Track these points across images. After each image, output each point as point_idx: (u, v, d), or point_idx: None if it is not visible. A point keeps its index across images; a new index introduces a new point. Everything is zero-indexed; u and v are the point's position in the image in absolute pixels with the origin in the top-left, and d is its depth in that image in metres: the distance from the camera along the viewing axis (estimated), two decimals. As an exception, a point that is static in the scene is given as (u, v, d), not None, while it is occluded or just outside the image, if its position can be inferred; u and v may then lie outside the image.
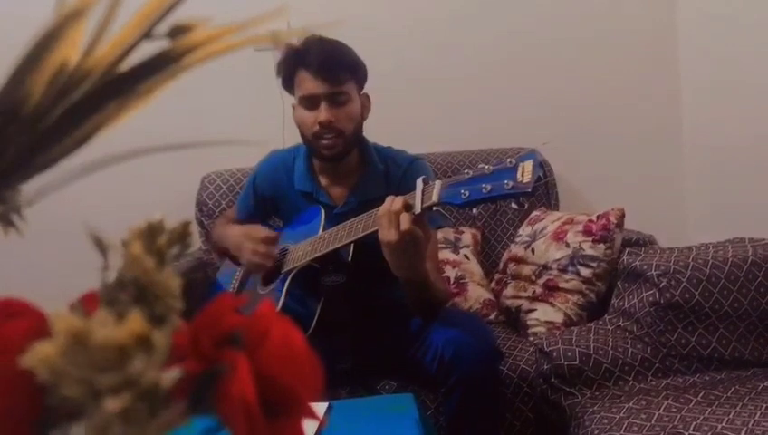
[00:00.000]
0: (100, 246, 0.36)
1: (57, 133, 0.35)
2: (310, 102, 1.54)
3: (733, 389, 1.42)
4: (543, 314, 1.85)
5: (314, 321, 1.48)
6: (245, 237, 1.58)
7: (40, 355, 0.27)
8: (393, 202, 1.30)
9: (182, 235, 0.42)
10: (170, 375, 0.29)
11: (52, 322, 0.28)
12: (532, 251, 1.97)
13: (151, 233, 0.40)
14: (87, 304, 0.38)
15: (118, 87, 0.35)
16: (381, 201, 1.33)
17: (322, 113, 1.52)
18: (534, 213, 2.12)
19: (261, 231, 1.60)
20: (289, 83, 1.59)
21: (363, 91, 1.62)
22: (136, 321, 0.29)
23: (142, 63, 0.35)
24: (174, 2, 0.35)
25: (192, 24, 0.36)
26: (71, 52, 0.33)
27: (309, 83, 1.53)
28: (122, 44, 0.35)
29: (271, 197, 1.75)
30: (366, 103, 1.62)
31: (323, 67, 1.51)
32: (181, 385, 0.33)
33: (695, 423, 1.27)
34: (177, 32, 0.35)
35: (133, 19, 0.35)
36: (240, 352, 0.36)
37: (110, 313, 0.31)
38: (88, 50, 0.34)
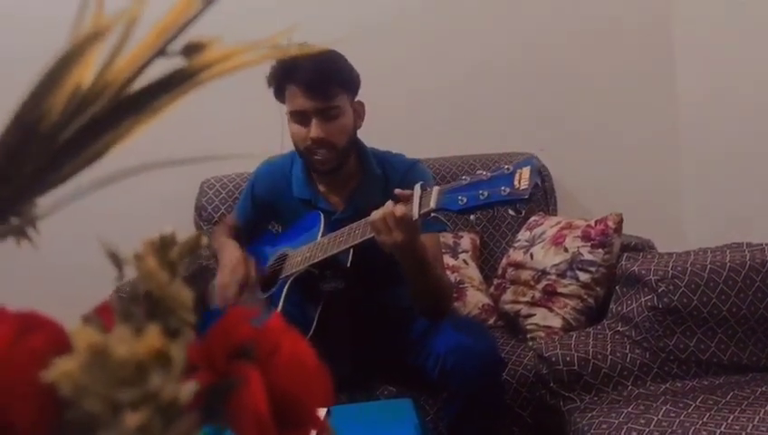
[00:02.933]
0: (115, 259, 0.36)
1: (73, 149, 0.35)
2: (301, 118, 1.53)
3: (731, 394, 1.42)
4: (542, 319, 1.85)
5: (313, 326, 1.49)
6: (228, 268, 1.60)
7: (62, 370, 0.28)
8: (396, 208, 1.31)
9: (193, 247, 0.43)
10: (188, 389, 0.30)
11: (73, 337, 0.29)
12: (531, 256, 1.97)
13: (163, 245, 0.40)
14: (101, 315, 0.38)
15: (132, 105, 0.36)
16: (380, 206, 1.34)
17: (313, 130, 1.51)
18: (533, 218, 2.13)
19: (243, 271, 1.60)
20: (280, 95, 1.58)
21: (357, 99, 1.60)
22: (154, 336, 0.29)
23: (156, 81, 0.36)
24: (188, 20, 0.36)
25: (205, 41, 0.37)
26: (86, 72, 0.34)
27: (299, 99, 1.51)
28: (137, 62, 0.36)
29: (269, 202, 1.75)
30: (360, 111, 1.61)
31: (313, 83, 1.49)
32: (194, 397, 0.33)
33: (693, 428, 1.28)
34: (192, 50, 0.36)
35: (148, 37, 0.36)
36: (252, 365, 0.37)
37: (126, 327, 0.31)
38: (103, 68, 0.35)
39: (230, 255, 1.63)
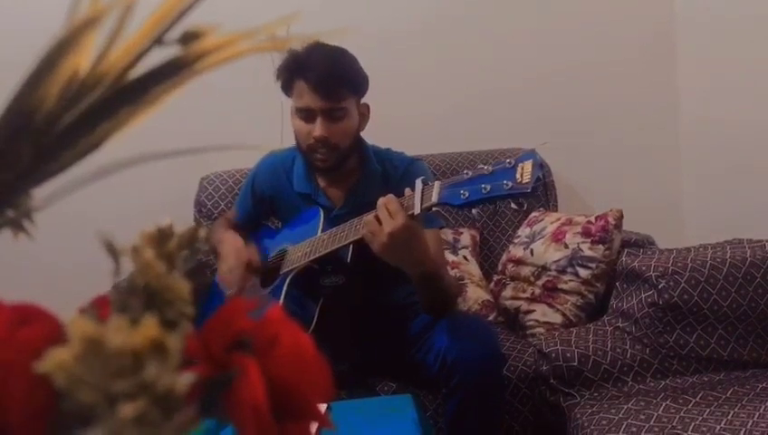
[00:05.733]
0: (112, 251, 0.36)
1: (69, 139, 0.35)
2: (306, 115, 1.53)
3: (731, 390, 1.42)
4: (542, 315, 1.85)
5: (313, 322, 1.48)
6: (231, 254, 1.60)
7: (56, 361, 0.27)
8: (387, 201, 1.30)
9: (191, 239, 0.42)
10: (185, 380, 0.29)
11: (68, 328, 0.28)
12: (531, 252, 1.97)
13: (161, 237, 0.40)
14: (98, 307, 0.38)
15: (129, 93, 0.35)
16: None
17: (318, 129, 1.51)
18: (533, 214, 2.13)
19: (246, 255, 1.60)
20: (287, 89, 1.58)
21: (363, 102, 1.60)
22: (150, 327, 0.29)
23: (153, 70, 0.35)
24: (185, 8, 0.35)
25: (203, 30, 0.36)
26: (82, 60, 0.33)
27: (306, 96, 1.51)
28: (134, 50, 0.35)
29: (269, 197, 1.75)
30: (365, 113, 1.61)
31: (323, 82, 1.49)
32: (192, 389, 0.33)
33: (693, 424, 1.28)
34: (189, 38, 0.36)
35: (144, 25, 0.35)
36: (251, 357, 0.36)
37: (122, 318, 0.31)
38: (99, 57, 0.34)
39: (231, 242, 1.64)
